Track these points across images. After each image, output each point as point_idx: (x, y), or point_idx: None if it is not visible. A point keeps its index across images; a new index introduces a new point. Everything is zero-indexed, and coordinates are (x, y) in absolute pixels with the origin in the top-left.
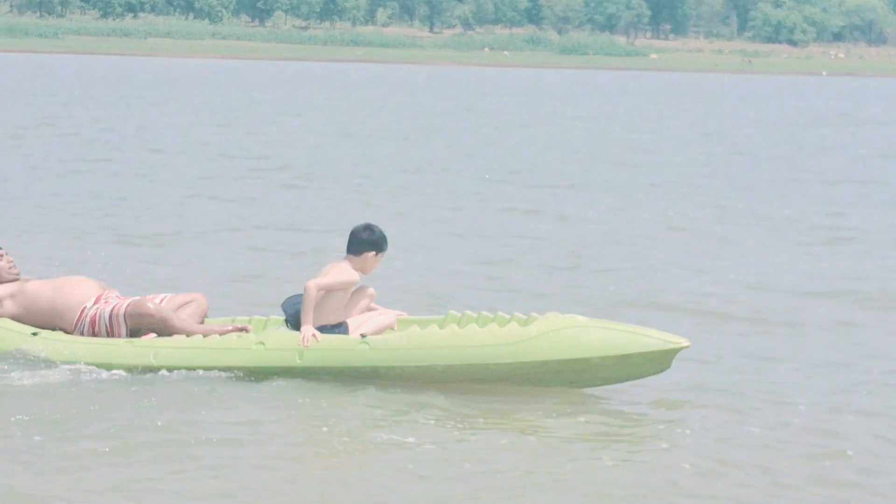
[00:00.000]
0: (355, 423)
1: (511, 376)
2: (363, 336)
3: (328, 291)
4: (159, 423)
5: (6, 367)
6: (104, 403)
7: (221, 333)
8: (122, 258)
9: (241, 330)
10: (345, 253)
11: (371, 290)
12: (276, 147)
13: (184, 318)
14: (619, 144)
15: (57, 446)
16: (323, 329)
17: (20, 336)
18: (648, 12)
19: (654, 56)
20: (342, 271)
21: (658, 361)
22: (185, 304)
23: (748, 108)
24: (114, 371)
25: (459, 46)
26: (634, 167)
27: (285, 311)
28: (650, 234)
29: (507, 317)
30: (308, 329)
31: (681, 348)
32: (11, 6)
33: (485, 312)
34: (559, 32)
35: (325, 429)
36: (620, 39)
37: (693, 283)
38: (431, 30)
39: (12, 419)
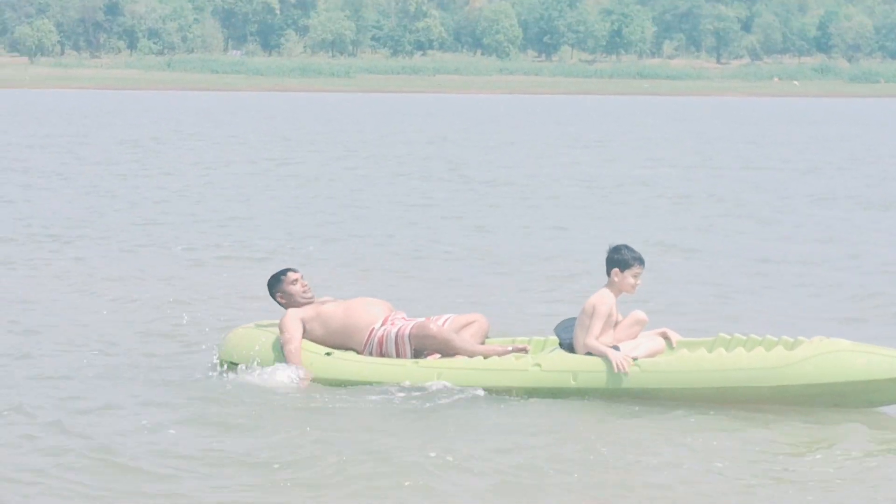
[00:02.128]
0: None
1: (777, 398)
2: (635, 359)
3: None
4: (435, 444)
5: (304, 385)
6: (389, 421)
7: (501, 354)
8: (435, 279)
9: (520, 350)
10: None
11: (642, 317)
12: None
13: (465, 338)
14: None
15: (339, 459)
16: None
17: (315, 356)
18: None
19: None
20: (599, 305)
21: None
22: (467, 324)
23: None
24: (400, 390)
25: (747, 77)
26: None
27: (558, 335)
28: None
29: (775, 340)
30: (616, 356)
31: None
32: (305, 47)
33: (753, 335)
34: (849, 60)
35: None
36: None
37: None
38: (718, 61)
39: (306, 432)
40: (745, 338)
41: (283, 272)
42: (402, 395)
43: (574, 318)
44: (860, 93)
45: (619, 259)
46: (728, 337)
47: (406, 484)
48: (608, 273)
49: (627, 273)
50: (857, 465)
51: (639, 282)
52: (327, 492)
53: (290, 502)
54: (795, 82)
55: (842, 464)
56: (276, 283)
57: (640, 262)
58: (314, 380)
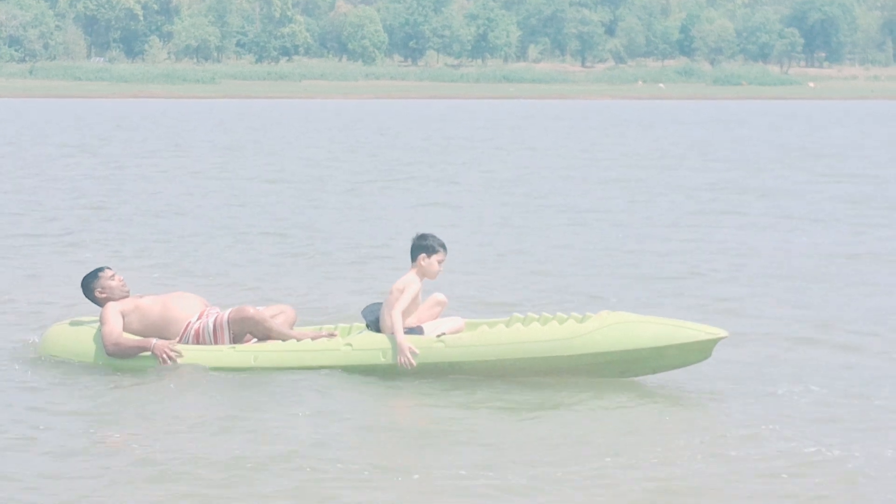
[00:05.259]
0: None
1: (571, 368)
2: (440, 335)
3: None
4: (250, 416)
5: (124, 374)
6: (208, 400)
7: (314, 338)
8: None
9: (330, 335)
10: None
11: (442, 298)
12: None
13: (280, 322)
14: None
15: (160, 439)
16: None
17: None
18: (802, 41)
19: (811, 84)
20: (407, 286)
21: (700, 351)
22: (276, 314)
23: None
24: (218, 373)
25: (612, 80)
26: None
27: (365, 318)
28: None
29: (566, 316)
30: (404, 344)
31: (720, 338)
32: (169, 53)
33: (545, 313)
34: (711, 63)
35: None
36: (774, 69)
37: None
38: (583, 64)
39: (126, 413)
40: (537, 316)
41: (100, 269)
42: (218, 379)
43: (379, 303)
44: (723, 95)
45: (426, 245)
46: (522, 316)
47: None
48: (413, 259)
49: (434, 258)
50: (640, 423)
51: (441, 268)
52: (141, 477)
53: (107, 488)
54: (661, 85)
55: (631, 425)
56: (93, 279)
57: (444, 248)
58: (131, 369)
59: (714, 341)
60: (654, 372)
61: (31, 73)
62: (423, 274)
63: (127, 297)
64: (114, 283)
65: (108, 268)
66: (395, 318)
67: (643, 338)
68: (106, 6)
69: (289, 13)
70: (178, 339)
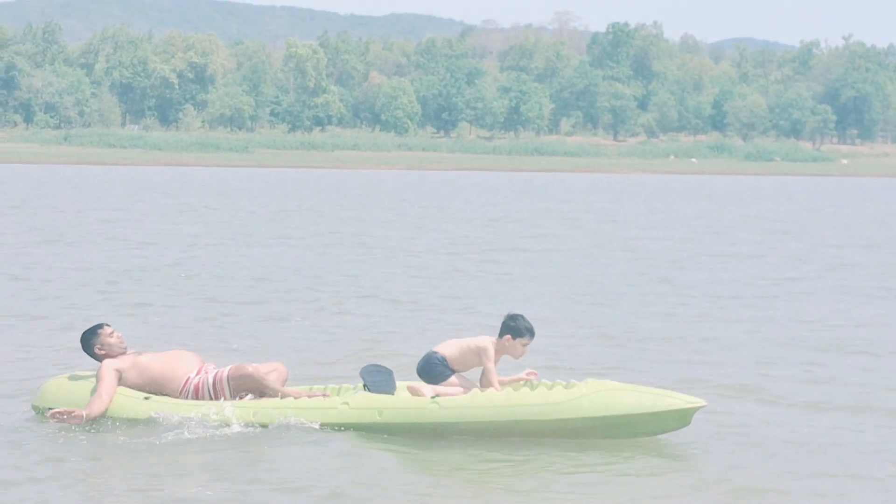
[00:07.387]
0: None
1: (557, 431)
2: (433, 398)
3: (464, 359)
4: (259, 475)
5: (125, 427)
6: (211, 456)
7: (309, 396)
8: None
9: (322, 395)
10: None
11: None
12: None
13: (273, 380)
14: None
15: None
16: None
17: (135, 400)
18: (834, 117)
19: (843, 161)
20: (489, 356)
21: (680, 418)
22: (270, 371)
23: None
24: (220, 429)
25: (644, 154)
26: None
27: (364, 378)
28: None
29: (551, 382)
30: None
31: (699, 407)
32: (204, 122)
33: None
34: (744, 139)
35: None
36: (806, 145)
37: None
38: (615, 138)
39: (131, 469)
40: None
41: (99, 326)
42: (218, 433)
43: (377, 365)
44: (755, 170)
45: (514, 327)
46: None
47: None
48: (501, 335)
49: (518, 341)
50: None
51: (525, 350)
52: None
53: None
54: (693, 160)
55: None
56: (93, 337)
57: (532, 333)
58: (134, 421)
59: (693, 410)
60: (635, 436)
61: (65, 139)
62: (503, 350)
63: (125, 353)
64: (112, 340)
65: (107, 325)
66: (496, 383)
67: (627, 405)
68: (141, 74)
69: (323, 83)
70: (178, 394)
